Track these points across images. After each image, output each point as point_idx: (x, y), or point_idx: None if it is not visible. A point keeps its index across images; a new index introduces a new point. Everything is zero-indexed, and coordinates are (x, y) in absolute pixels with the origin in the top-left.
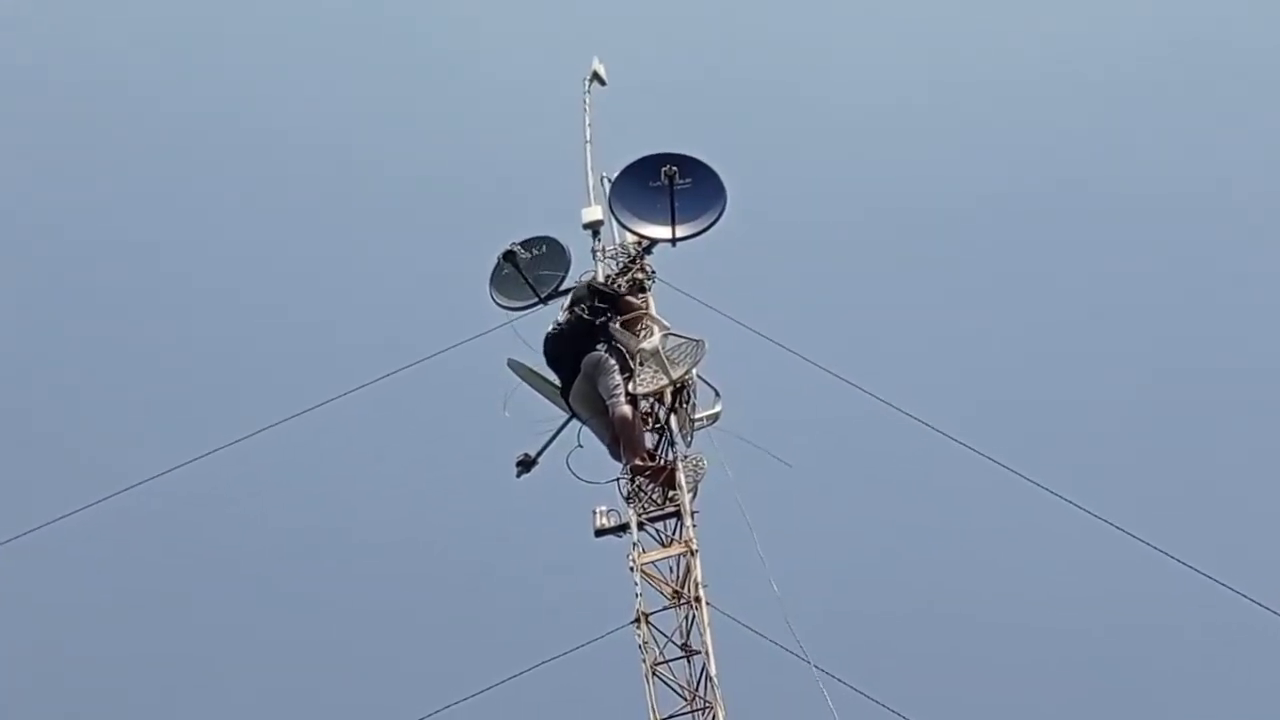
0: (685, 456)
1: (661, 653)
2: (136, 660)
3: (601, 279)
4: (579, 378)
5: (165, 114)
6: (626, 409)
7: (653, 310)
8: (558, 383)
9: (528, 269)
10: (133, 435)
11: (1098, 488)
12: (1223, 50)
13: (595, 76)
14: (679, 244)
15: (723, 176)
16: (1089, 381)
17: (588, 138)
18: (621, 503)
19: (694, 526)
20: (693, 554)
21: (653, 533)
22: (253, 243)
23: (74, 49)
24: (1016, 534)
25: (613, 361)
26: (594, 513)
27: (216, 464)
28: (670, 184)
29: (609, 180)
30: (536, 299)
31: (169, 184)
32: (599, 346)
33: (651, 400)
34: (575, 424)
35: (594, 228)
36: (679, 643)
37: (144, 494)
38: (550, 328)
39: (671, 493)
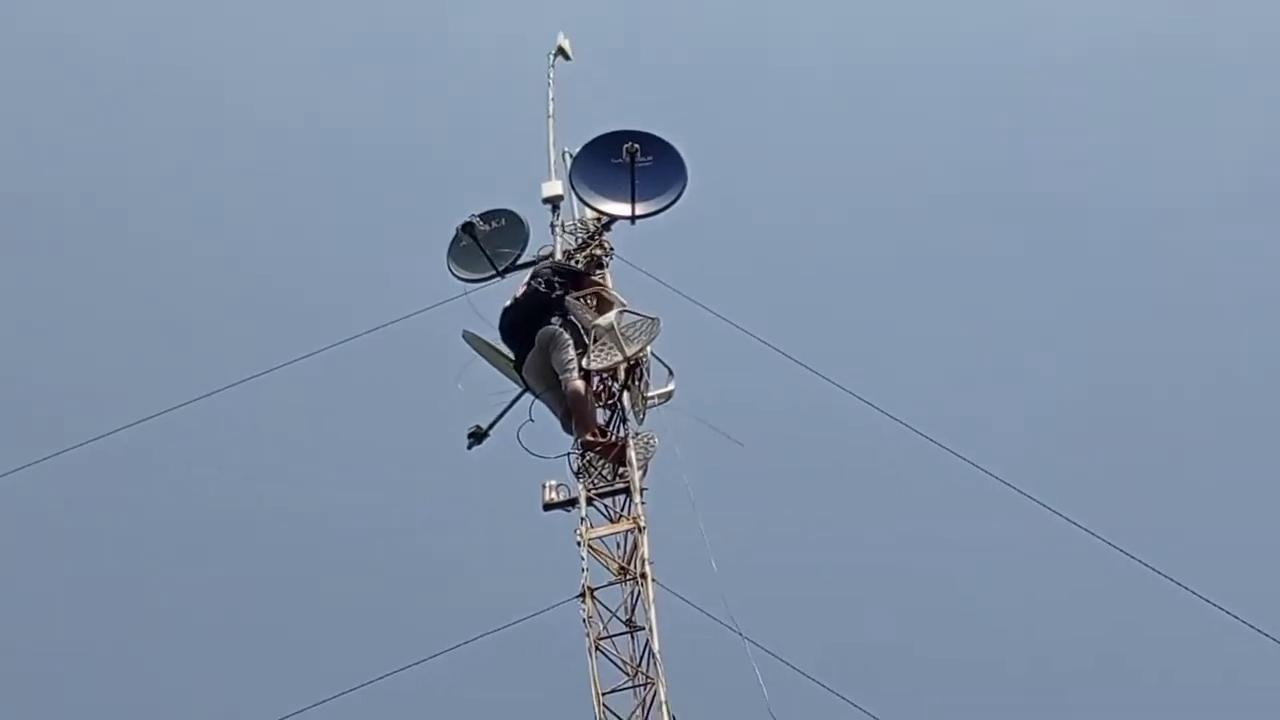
0: (637, 434)
1: (605, 628)
2: (64, 628)
3: (560, 254)
4: (533, 351)
5: (126, 71)
6: (579, 384)
7: (610, 288)
8: (512, 356)
9: (486, 241)
10: (73, 394)
11: (1058, 481)
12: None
13: (560, 51)
14: (638, 221)
15: (685, 155)
16: (1049, 372)
17: (550, 112)
18: (571, 477)
19: (643, 504)
20: (640, 531)
21: (601, 508)
22: (206, 206)
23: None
24: (965, 521)
25: (567, 336)
26: (543, 486)
27: (158, 428)
28: (632, 161)
29: (570, 155)
30: (494, 271)
31: (124, 142)
32: (554, 320)
33: (605, 376)
34: (528, 397)
35: (554, 202)
36: (623, 618)
37: (84, 455)
38: (507, 301)
39: (621, 469)
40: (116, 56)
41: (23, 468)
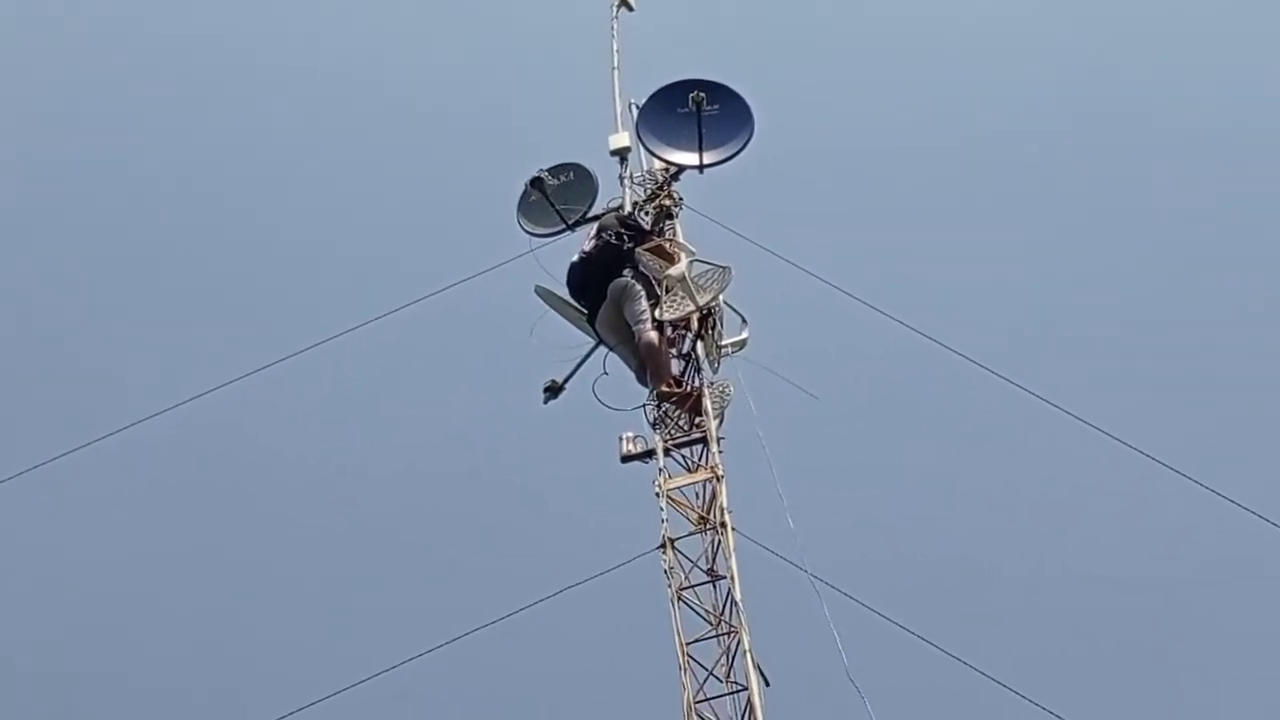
0: (711, 383)
1: (687, 577)
2: (154, 598)
3: (629, 206)
4: (605, 303)
5: (189, 37)
6: (653, 335)
7: (680, 237)
8: (583, 310)
9: (555, 196)
10: (156, 363)
11: (1132, 419)
12: None
13: (623, 2)
14: (706, 170)
15: (751, 102)
16: (1129, 313)
17: (615, 64)
18: (648, 429)
19: (720, 452)
20: (718, 480)
21: (679, 459)
22: (276, 168)
23: None
24: (1044, 466)
25: (639, 287)
26: (620, 439)
27: (235, 394)
28: (698, 110)
29: (636, 107)
30: (564, 225)
31: (191, 108)
32: (625, 272)
33: (678, 326)
34: (602, 350)
35: (621, 154)
36: (704, 568)
37: (167, 423)
38: (574, 256)
39: (698, 419)
40: (166, 22)
41: (123, 429)
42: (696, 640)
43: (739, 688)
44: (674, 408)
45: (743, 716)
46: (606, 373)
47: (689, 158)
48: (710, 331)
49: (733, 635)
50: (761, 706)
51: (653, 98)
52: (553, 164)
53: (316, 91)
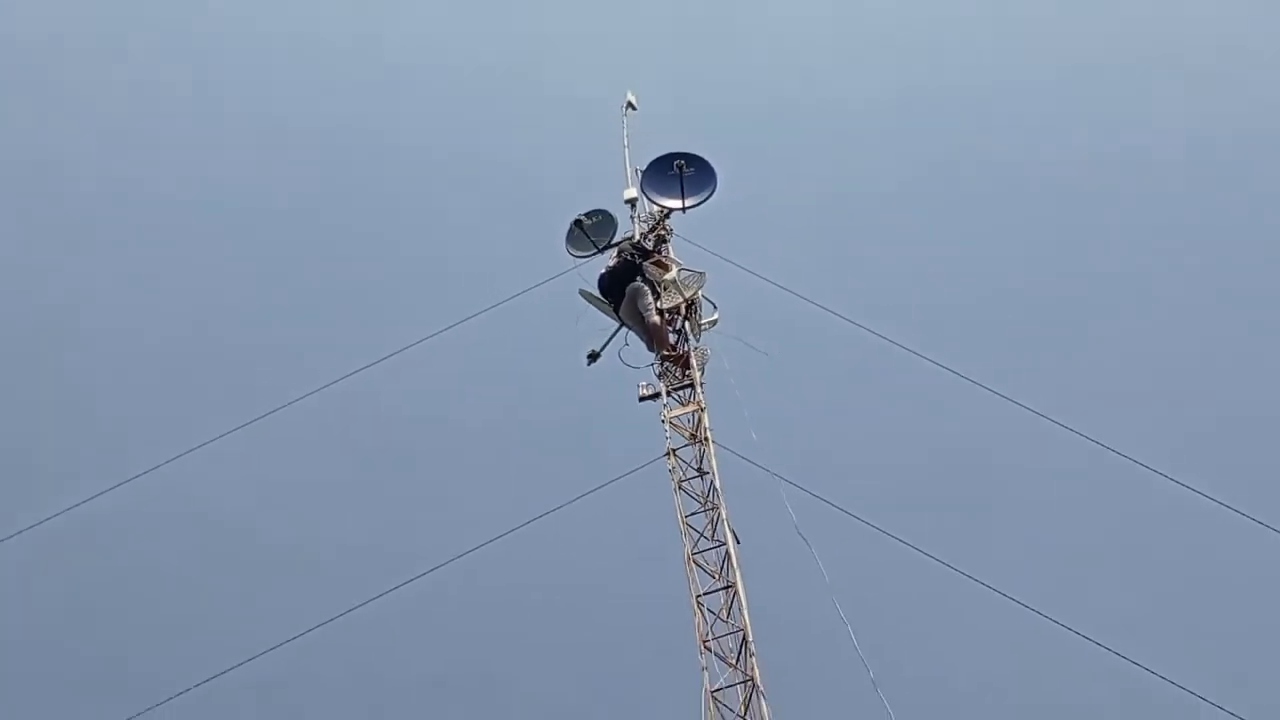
0: (696, 347)
1: (685, 474)
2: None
3: (638, 235)
4: (625, 300)
5: (270, 85)
6: (657, 318)
7: (671, 254)
8: (610, 304)
9: (589, 230)
10: (290, 354)
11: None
12: None
13: (629, 105)
14: (688, 211)
15: (715, 165)
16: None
17: (625, 144)
18: (656, 379)
19: (703, 392)
20: (702, 410)
21: (677, 398)
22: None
23: None
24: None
25: (646, 288)
26: (638, 386)
27: (367, 378)
28: (680, 172)
29: (640, 171)
30: (596, 249)
31: (267, 127)
32: (637, 279)
33: (673, 312)
34: (624, 331)
35: (632, 202)
36: (695, 467)
37: (304, 410)
38: (603, 269)
39: (688, 372)
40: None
41: (288, 405)
42: (693, 514)
43: (720, 544)
44: (672, 365)
45: (723, 564)
46: (628, 344)
47: (676, 203)
48: (694, 315)
49: (716, 510)
50: (737, 555)
51: (651, 164)
52: (587, 209)
53: (424, 159)
